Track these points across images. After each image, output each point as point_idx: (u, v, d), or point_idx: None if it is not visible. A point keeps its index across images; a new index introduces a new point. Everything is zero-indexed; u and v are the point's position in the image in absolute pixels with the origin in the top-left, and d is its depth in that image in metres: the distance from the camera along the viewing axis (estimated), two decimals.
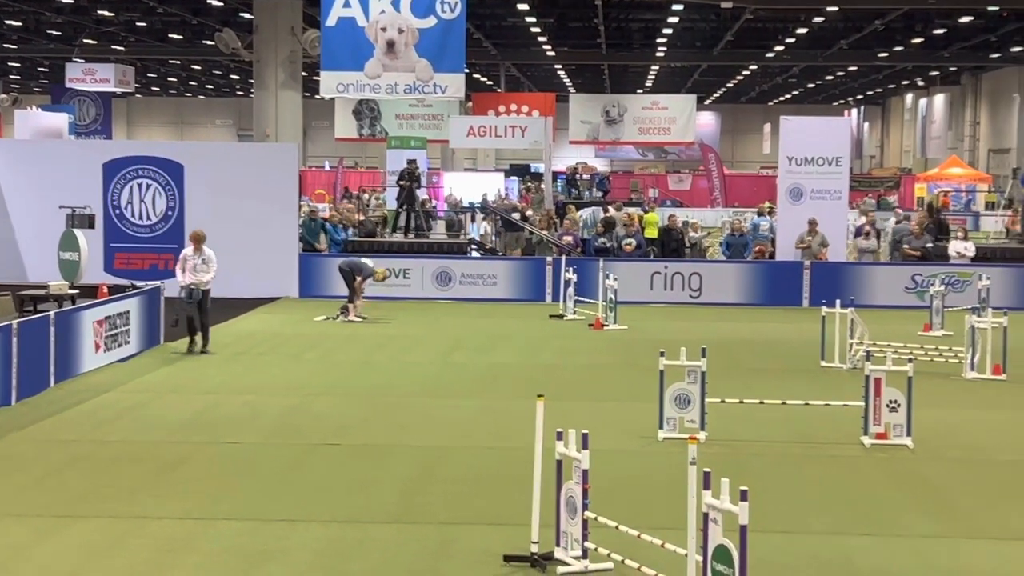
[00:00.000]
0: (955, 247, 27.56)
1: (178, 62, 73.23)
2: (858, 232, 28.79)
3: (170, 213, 26.16)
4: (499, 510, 10.31)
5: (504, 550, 9.05)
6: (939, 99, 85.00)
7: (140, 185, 26.18)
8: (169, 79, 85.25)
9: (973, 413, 14.86)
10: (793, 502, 10.69)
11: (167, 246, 26.06)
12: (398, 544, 9.42)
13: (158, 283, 20.33)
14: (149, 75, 79.56)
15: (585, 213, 34.61)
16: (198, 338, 19.02)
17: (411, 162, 31.65)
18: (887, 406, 12.74)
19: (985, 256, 27.78)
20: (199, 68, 78.22)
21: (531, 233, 29.65)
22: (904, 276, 26.14)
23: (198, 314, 18.99)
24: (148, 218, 26.24)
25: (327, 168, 70.83)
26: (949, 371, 17.19)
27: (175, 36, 56.77)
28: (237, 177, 26.25)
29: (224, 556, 9.13)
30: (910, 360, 13.02)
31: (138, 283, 20.51)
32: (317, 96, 38.65)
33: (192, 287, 18.95)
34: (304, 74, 37.16)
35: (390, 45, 29.25)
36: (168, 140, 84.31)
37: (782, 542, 9.48)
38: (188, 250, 19.41)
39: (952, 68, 75.47)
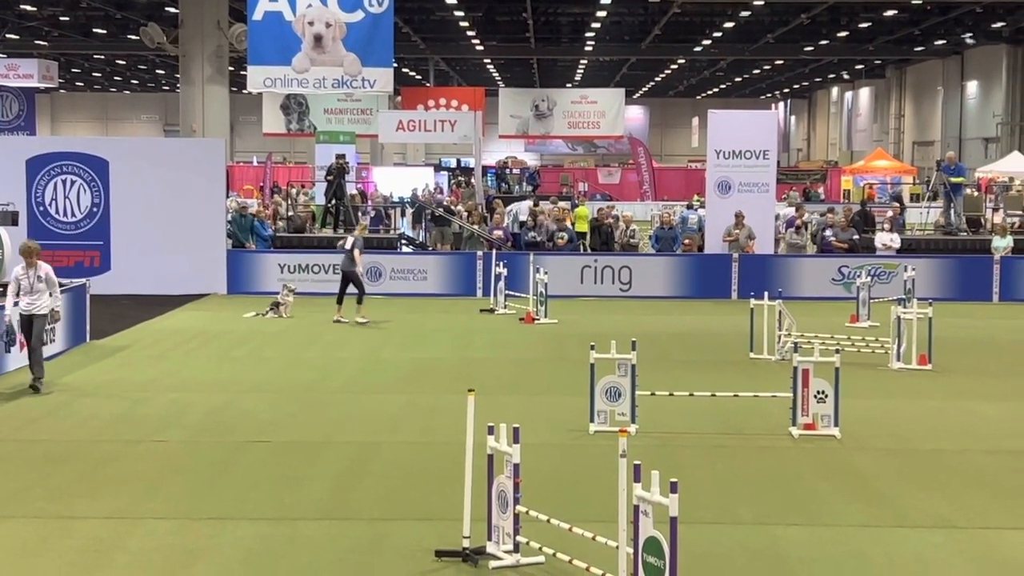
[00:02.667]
0: (881, 239, 27.89)
1: (102, 57, 72.44)
2: (789, 224, 29.03)
3: (95, 210, 25.83)
4: (430, 505, 10.29)
5: (436, 545, 9.03)
6: (864, 92, 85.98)
7: (64, 182, 25.82)
8: (93, 74, 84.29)
9: (899, 403, 15.03)
10: (723, 493, 10.75)
11: (92, 243, 25.80)
12: (329, 541, 9.37)
13: (84, 281, 20.08)
14: (73, 70, 78.61)
15: (513, 208, 34.61)
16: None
17: (340, 157, 31.52)
18: (815, 397, 12.86)
19: (910, 247, 28.13)
20: (124, 63, 77.41)
21: (461, 228, 29.60)
22: (831, 268, 26.40)
23: (28, 342, 15.50)
24: (73, 215, 25.88)
25: (255, 163, 70.35)
26: (876, 362, 17.38)
27: (99, 31, 56.15)
28: (163, 173, 25.97)
29: (153, 555, 9.04)
30: (837, 351, 13.15)
31: (63, 281, 20.24)
32: (244, 91, 38.29)
33: (26, 313, 15.39)
34: (231, 69, 36.86)
35: (318, 39, 29.09)
36: (93, 136, 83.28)
37: (712, 533, 9.54)
38: (19, 268, 15.48)
39: (877, 61, 76.38)
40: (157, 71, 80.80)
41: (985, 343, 20.23)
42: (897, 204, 41.02)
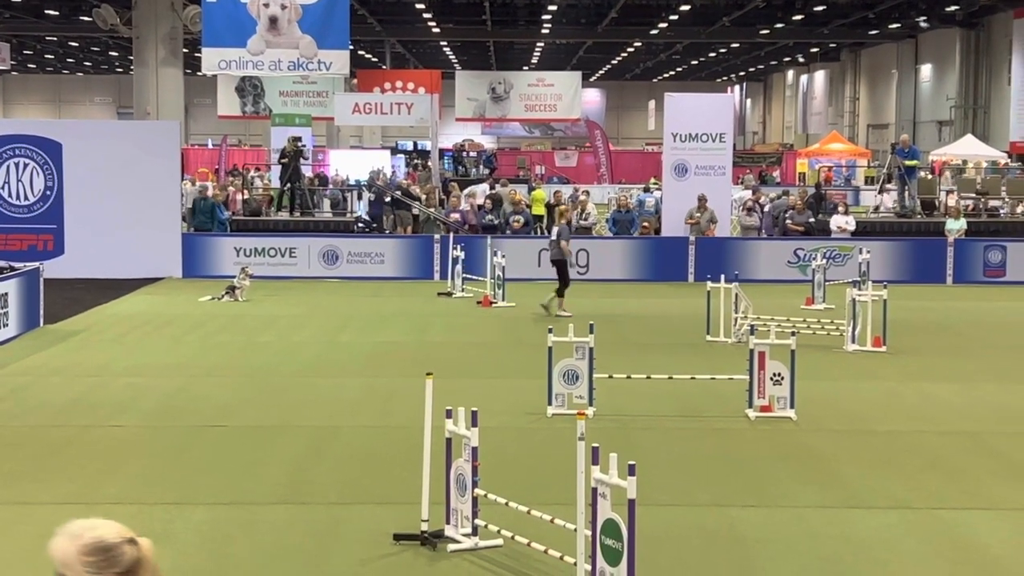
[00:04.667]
0: (836, 222, 28.06)
1: (55, 38, 71.74)
2: (745, 207, 29.20)
3: (48, 193, 25.62)
4: (388, 489, 10.27)
5: (394, 529, 9.02)
6: (819, 75, 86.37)
7: (17, 164, 25.58)
8: (46, 56, 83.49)
9: (854, 385, 15.14)
10: (680, 475, 10.80)
11: (46, 226, 25.60)
12: (286, 525, 9.34)
13: (37, 264, 19.91)
14: (25, 52, 77.83)
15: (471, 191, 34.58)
16: None
17: (296, 139, 31.35)
18: (771, 379, 12.93)
19: (865, 230, 28.32)
20: (77, 45, 76.72)
21: (418, 211, 29.55)
22: (787, 251, 26.54)
23: None
24: (26, 198, 25.66)
25: (210, 146, 69.92)
26: (831, 344, 17.49)
27: (51, 12, 55.60)
28: (117, 156, 25.79)
29: None
30: (793, 334, 13.22)
31: (16, 264, 20.08)
32: (199, 73, 38.08)
33: None
34: (185, 51, 36.58)
35: (273, 21, 28.95)
36: (46, 118, 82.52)
37: (669, 515, 9.58)
38: None
39: (832, 45, 76.75)
40: (110, 53, 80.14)
41: (939, 325, 20.40)
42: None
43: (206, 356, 16.92)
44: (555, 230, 21.37)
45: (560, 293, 20.79)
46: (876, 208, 33.50)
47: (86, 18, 48.56)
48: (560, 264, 20.93)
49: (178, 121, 31.23)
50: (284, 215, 30.39)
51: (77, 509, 9.64)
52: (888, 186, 33.41)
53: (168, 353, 17.18)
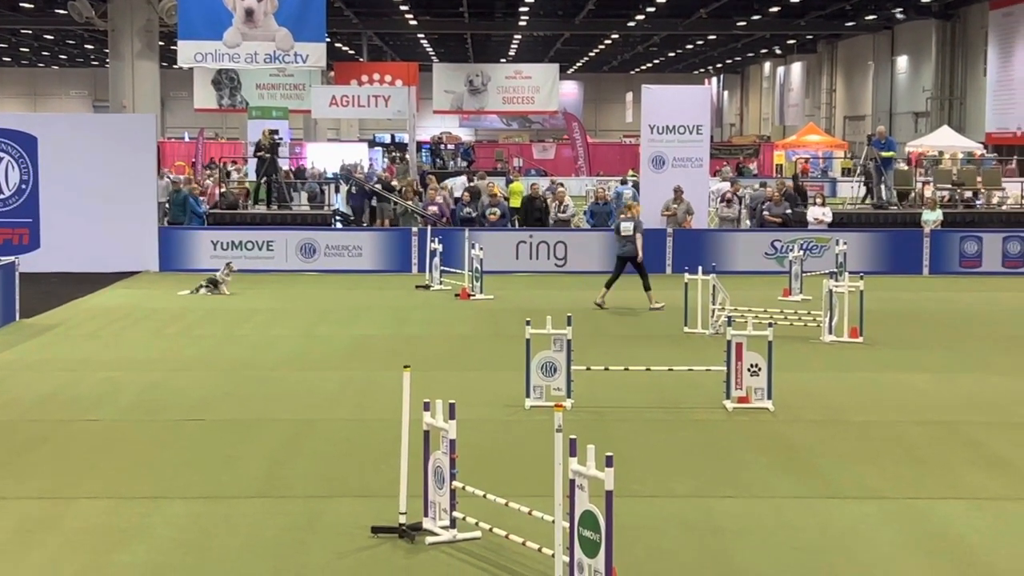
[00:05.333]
0: (813, 213, 28.12)
1: (30, 32, 71.37)
2: (722, 198, 29.24)
3: (24, 187, 25.49)
4: (366, 482, 10.27)
5: (372, 522, 9.02)
6: (796, 67, 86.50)
7: None
8: (21, 49, 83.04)
9: (831, 375, 15.19)
10: (658, 466, 10.82)
11: (21, 220, 25.48)
12: (264, 519, 9.33)
13: (12, 259, 19.81)
14: (0, 45, 77.38)
15: (449, 183, 34.55)
16: None
17: (272, 132, 31.25)
18: (748, 370, 12.96)
19: (842, 222, 28.39)
20: (52, 38, 76.35)
21: (396, 204, 29.50)
22: (764, 242, 26.60)
23: None
24: (1, 192, 25.52)
25: (187, 139, 69.70)
26: (808, 335, 17.54)
27: (26, 5, 55.30)
28: (93, 149, 25.68)
29: (86, 535, 8.96)
30: (770, 325, 13.25)
31: None
32: (175, 66, 37.88)
33: None
34: (161, 43, 36.50)
35: (249, 14, 28.86)
36: (21, 112, 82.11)
37: (647, 506, 9.60)
38: None
39: (808, 36, 76.94)
40: (86, 46, 79.78)
41: (915, 315, 20.47)
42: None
43: (183, 350, 16.87)
44: (627, 225, 20.85)
45: (648, 287, 20.63)
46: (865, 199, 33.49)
47: (61, 11, 48.33)
48: (634, 260, 20.66)
49: (154, 114, 31.08)
50: (261, 208, 30.29)
51: (54, 504, 9.64)
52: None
53: (145, 347, 17.12)
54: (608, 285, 20.73)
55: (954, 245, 26.56)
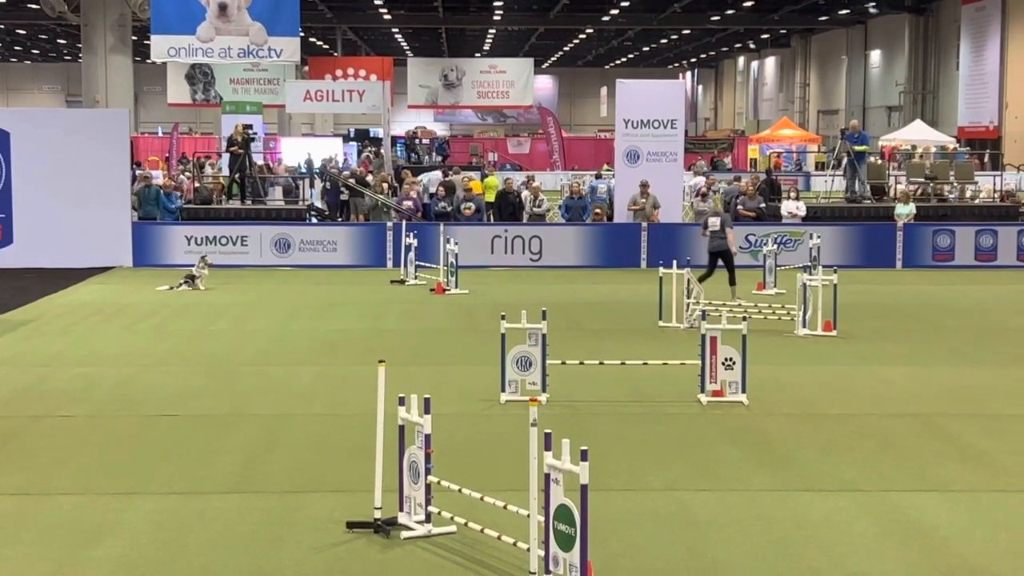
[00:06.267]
0: (787, 207, 28.21)
1: (2, 26, 70.98)
2: (697, 193, 29.31)
3: None
4: (342, 477, 10.26)
5: (347, 517, 9.00)
6: (770, 62, 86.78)
7: None
8: None
9: (805, 369, 15.24)
10: (632, 460, 10.84)
11: None
12: (239, 514, 9.31)
13: None
14: None
15: (424, 178, 34.51)
16: None
17: (247, 127, 31.13)
18: (723, 364, 12.99)
19: (816, 216, 28.48)
20: (24, 32, 75.95)
21: (370, 199, 29.45)
22: (738, 236, 26.61)
23: None
24: None
25: (160, 134, 69.44)
26: (782, 328, 17.60)
27: None
28: (66, 144, 25.59)
29: (60, 531, 8.92)
30: (744, 319, 13.28)
31: None
32: (148, 60, 37.78)
33: None
34: (134, 38, 36.36)
35: (222, 8, 28.77)
36: None
37: (622, 499, 9.62)
38: None
39: (782, 31, 77.17)
40: (59, 41, 79.40)
41: (889, 309, 20.56)
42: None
43: (158, 345, 16.81)
44: (716, 220, 20.79)
45: (734, 281, 20.51)
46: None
47: (34, 5, 48.06)
48: (724, 255, 20.57)
49: (127, 109, 31.00)
50: (235, 203, 30.19)
51: (27, 500, 9.60)
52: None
53: (119, 342, 17.06)
54: (701, 280, 20.61)
55: (927, 239, 26.70)
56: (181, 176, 36.97)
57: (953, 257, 26.51)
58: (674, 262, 18.49)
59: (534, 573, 7.68)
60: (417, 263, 23.69)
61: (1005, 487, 10.17)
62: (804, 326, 17.62)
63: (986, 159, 51.28)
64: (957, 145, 51.53)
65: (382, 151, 43.91)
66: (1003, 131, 56.95)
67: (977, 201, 31.90)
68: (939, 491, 10.00)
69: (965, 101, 60.33)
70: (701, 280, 20.29)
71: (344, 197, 30.79)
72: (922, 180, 31.71)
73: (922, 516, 9.33)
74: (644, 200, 26.76)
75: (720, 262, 20.62)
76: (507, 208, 28.92)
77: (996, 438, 11.76)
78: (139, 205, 27.68)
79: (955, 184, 31.94)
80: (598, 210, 28.34)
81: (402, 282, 23.49)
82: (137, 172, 30.82)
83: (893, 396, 13.67)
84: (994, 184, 34.23)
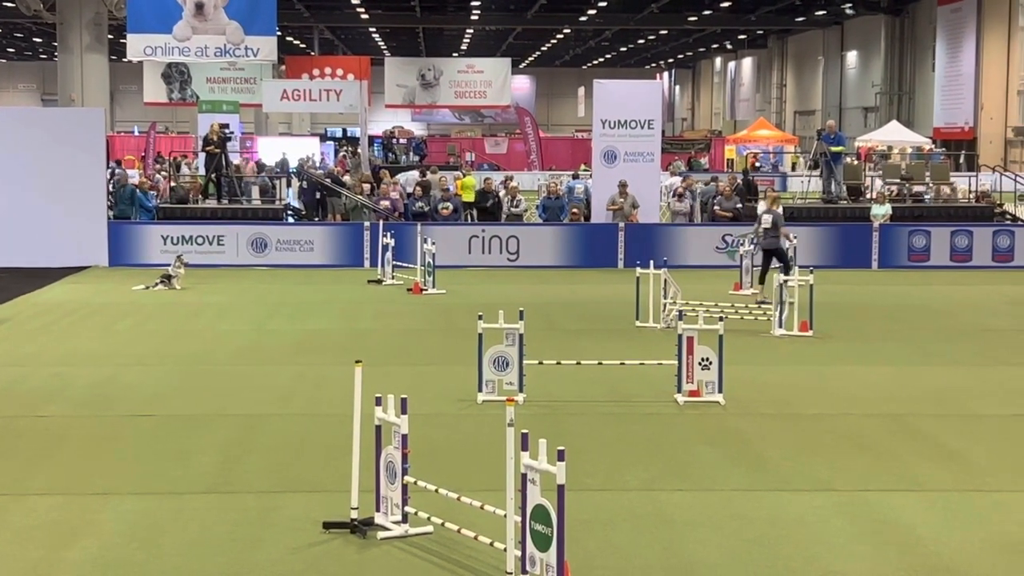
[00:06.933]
0: (763, 208, 28.23)
1: None
2: (675, 194, 29.35)
3: None
4: (318, 477, 10.25)
5: (324, 517, 9.00)
6: (747, 62, 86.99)
7: None
8: None
9: (781, 369, 15.29)
10: (610, 460, 10.86)
11: None
12: (216, 514, 9.29)
13: None
14: None
15: (401, 178, 34.47)
16: None
17: (223, 126, 31.04)
18: (699, 364, 13.02)
19: (792, 216, 28.55)
20: (0, 31, 75.51)
21: (348, 198, 29.41)
22: (715, 236, 26.73)
23: None
24: None
25: (136, 133, 69.20)
26: (758, 329, 17.65)
27: None
28: (41, 143, 25.48)
29: (35, 532, 8.89)
30: (721, 319, 13.32)
31: None
32: (124, 59, 37.64)
33: None
34: (110, 37, 36.25)
35: (199, 7, 28.70)
36: None
37: (599, 499, 9.63)
38: None
39: (759, 31, 77.36)
40: (34, 39, 79.03)
41: (864, 309, 20.64)
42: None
43: (134, 345, 16.76)
44: (768, 217, 20.86)
45: (762, 280, 20.71)
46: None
47: (9, 4, 47.86)
48: (778, 252, 20.72)
49: (103, 108, 30.88)
50: (212, 203, 30.10)
51: (3, 500, 9.56)
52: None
53: (96, 342, 17.01)
54: (762, 280, 20.81)
55: (903, 239, 26.81)
56: (157, 175, 36.87)
57: (929, 257, 26.63)
58: (651, 262, 18.52)
59: (511, 573, 7.69)
60: (394, 263, 23.67)
61: (979, 486, 10.23)
62: (780, 326, 17.67)
63: (961, 160, 51.51)
64: (933, 146, 51.74)
65: (359, 151, 43.84)
66: (978, 132, 57.25)
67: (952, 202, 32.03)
68: (914, 490, 10.05)
69: (941, 102, 60.61)
70: (761, 280, 20.44)
71: (318, 196, 30.70)
72: (898, 181, 31.83)
73: (897, 515, 9.37)
74: (623, 200, 26.80)
75: (775, 260, 20.77)
76: (487, 207, 28.95)
77: (970, 438, 11.83)
78: (114, 204, 27.59)
79: (930, 185, 32.07)
80: (575, 210, 28.37)
81: (379, 282, 23.47)
82: (117, 172, 30.69)
83: (868, 396, 13.72)
84: (969, 185, 34.38)
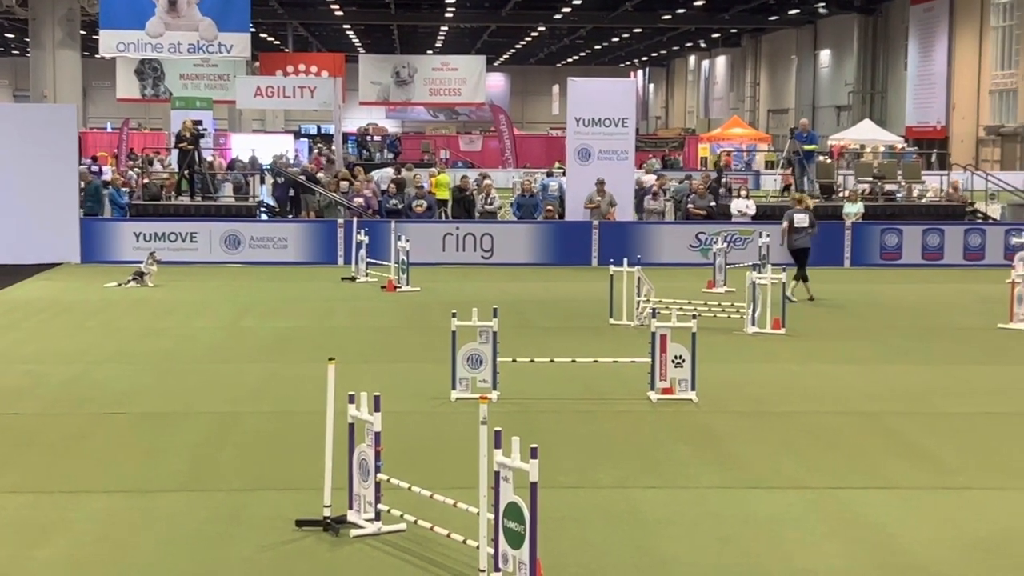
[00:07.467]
0: (736, 205, 28.35)
1: None
2: (647, 191, 29.40)
3: None
4: (291, 475, 10.23)
5: (296, 515, 8.98)
6: (720, 61, 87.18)
7: None
8: None
9: (754, 367, 15.33)
10: (583, 457, 10.87)
11: None
12: (187, 512, 9.26)
13: None
14: None
15: (376, 175, 34.46)
16: None
17: (196, 123, 30.95)
18: (672, 362, 13.04)
19: (764, 214, 28.64)
20: None
21: (322, 196, 29.36)
22: (688, 235, 26.78)
23: None
24: None
25: (109, 129, 68.89)
26: (732, 326, 17.69)
27: None
28: (13, 139, 25.35)
29: (6, 529, 8.84)
30: (694, 316, 13.34)
31: None
32: (97, 55, 37.42)
33: None
34: (83, 32, 36.06)
35: (172, 3, 28.60)
36: None
37: (572, 497, 9.64)
38: None
39: (733, 30, 77.55)
40: (6, 35, 78.56)
41: (836, 307, 20.71)
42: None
43: (106, 342, 16.69)
44: (803, 216, 21.14)
45: (806, 279, 20.93)
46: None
47: None
48: (807, 252, 21.10)
49: (76, 104, 30.72)
50: (185, 199, 30.01)
51: None
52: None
53: (67, 339, 16.92)
54: (804, 280, 20.97)
55: (875, 237, 26.92)
56: (130, 172, 36.72)
57: (900, 256, 26.74)
58: (625, 260, 18.54)
59: (483, 571, 7.69)
60: (368, 260, 23.63)
61: (950, 484, 10.28)
62: (753, 324, 17.71)
63: (933, 159, 51.75)
64: (905, 145, 51.96)
65: (334, 148, 43.76)
66: (950, 131, 57.54)
67: (924, 200, 32.20)
68: (885, 488, 10.09)
69: (913, 101, 60.89)
70: (804, 280, 20.80)
71: (292, 194, 30.62)
72: (870, 179, 31.95)
73: (868, 513, 9.41)
74: (600, 199, 26.82)
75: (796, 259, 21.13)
76: (463, 204, 28.95)
77: (941, 436, 11.89)
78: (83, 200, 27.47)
79: (902, 183, 32.20)
80: (550, 208, 28.38)
81: (353, 279, 23.43)
82: (93, 168, 30.55)
83: (840, 394, 13.77)
84: (941, 184, 34.55)
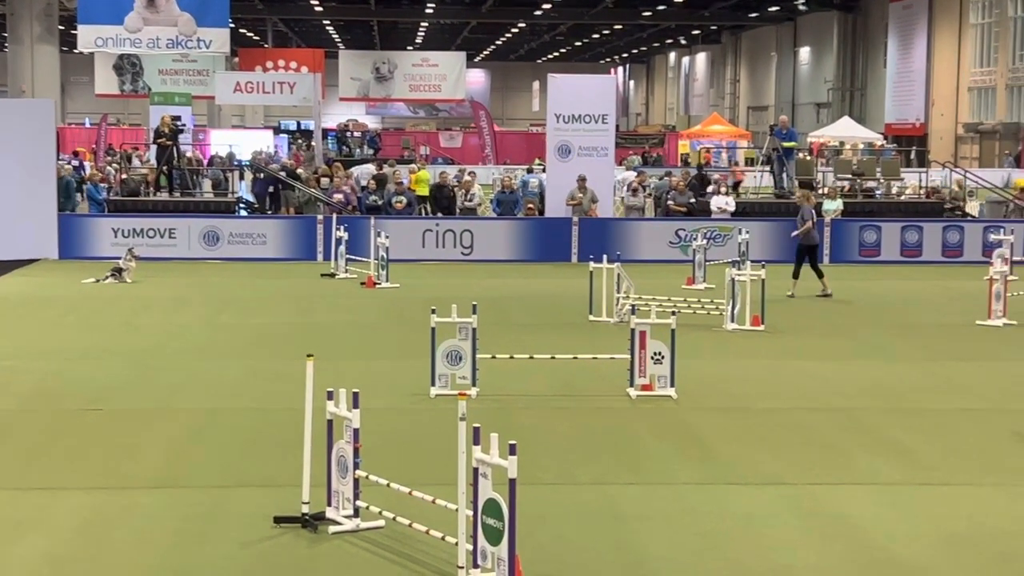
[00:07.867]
0: (716, 202, 28.39)
1: None
2: (629, 188, 29.44)
3: None
4: (269, 472, 10.21)
5: (275, 512, 8.96)
6: (701, 58, 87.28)
7: None
8: None
9: (733, 363, 15.36)
10: (561, 454, 10.88)
11: None
12: (165, 509, 9.23)
13: None
14: None
15: (355, 171, 34.38)
16: None
17: (175, 119, 30.84)
18: (652, 358, 13.05)
19: (744, 211, 28.69)
20: None
21: (301, 192, 29.30)
22: (668, 231, 26.81)
23: None
24: None
25: (88, 125, 68.62)
26: (711, 323, 17.72)
27: None
28: None
29: None
30: (674, 313, 13.36)
31: None
32: (75, 50, 37.28)
33: None
34: (61, 27, 35.93)
35: None
36: None
37: (551, 493, 9.65)
38: None
39: (713, 27, 77.67)
40: None
41: (815, 304, 20.76)
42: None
43: (83, 339, 16.63)
44: (812, 211, 21.70)
45: (821, 274, 21.35)
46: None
47: None
48: (814, 248, 21.58)
49: (53, 99, 30.57)
50: (164, 195, 29.92)
51: None
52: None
53: (44, 336, 16.86)
54: (821, 276, 21.29)
55: (854, 234, 27.01)
56: (108, 168, 36.60)
57: (879, 253, 26.83)
58: (604, 257, 18.55)
59: (462, 567, 7.69)
60: (348, 256, 23.60)
61: (927, 480, 10.32)
62: (732, 321, 17.74)
63: (912, 156, 51.92)
64: (884, 142, 52.11)
65: (314, 144, 43.68)
66: (929, 128, 57.73)
67: (903, 197, 32.29)
68: (863, 484, 10.13)
69: (892, 98, 61.08)
70: (821, 276, 21.17)
71: (271, 190, 30.55)
72: (849, 176, 32.03)
73: (845, 509, 9.44)
74: (582, 195, 26.83)
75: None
76: (443, 201, 28.92)
77: (919, 432, 11.93)
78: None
79: (881, 180, 32.28)
80: (530, 204, 28.39)
81: (332, 276, 23.40)
82: (73, 164, 30.41)
83: (819, 390, 13.81)
84: (920, 181, 34.66)
